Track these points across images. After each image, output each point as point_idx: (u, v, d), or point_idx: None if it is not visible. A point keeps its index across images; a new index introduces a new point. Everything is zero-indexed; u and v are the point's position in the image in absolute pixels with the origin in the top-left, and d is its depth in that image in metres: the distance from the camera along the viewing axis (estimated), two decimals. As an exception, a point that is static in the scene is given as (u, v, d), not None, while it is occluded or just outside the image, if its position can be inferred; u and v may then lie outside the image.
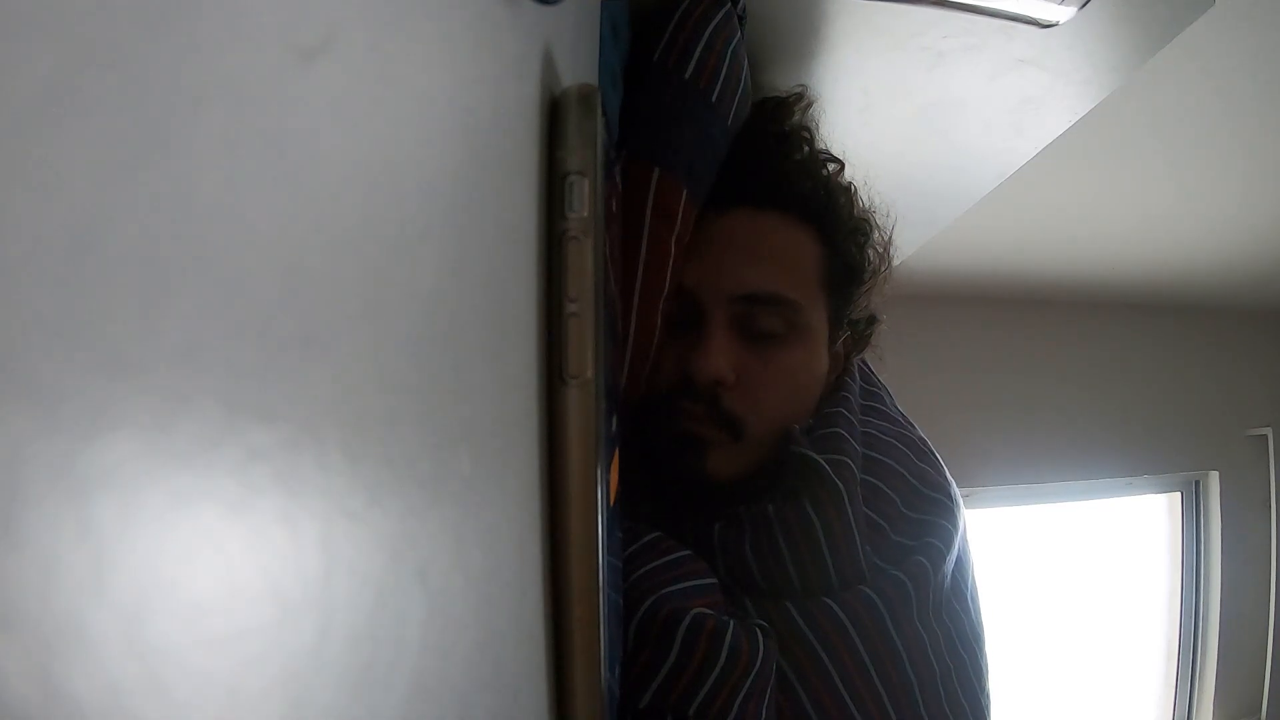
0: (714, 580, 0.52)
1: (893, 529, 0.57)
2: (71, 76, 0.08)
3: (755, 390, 0.57)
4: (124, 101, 0.09)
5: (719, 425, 0.57)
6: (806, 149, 0.65)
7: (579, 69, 0.43)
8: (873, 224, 0.66)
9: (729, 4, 0.60)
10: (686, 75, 0.57)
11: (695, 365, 0.56)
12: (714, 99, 0.58)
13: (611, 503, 0.36)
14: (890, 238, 0.68)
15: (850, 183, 0.66)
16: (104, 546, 0.08)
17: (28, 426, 0.07)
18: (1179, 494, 2.40)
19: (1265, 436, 2.41)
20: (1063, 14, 0.65)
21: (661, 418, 0.58)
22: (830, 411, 0.60)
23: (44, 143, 0.07)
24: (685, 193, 0.56)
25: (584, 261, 0.31)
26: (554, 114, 0.32)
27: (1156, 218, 1.75)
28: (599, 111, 0.32)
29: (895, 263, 0.69)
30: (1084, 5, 0.64)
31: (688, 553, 0.53)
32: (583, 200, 0.31)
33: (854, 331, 0.67)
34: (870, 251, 0.66)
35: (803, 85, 0.70)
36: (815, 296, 0.61)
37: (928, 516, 0.58)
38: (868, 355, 0.71)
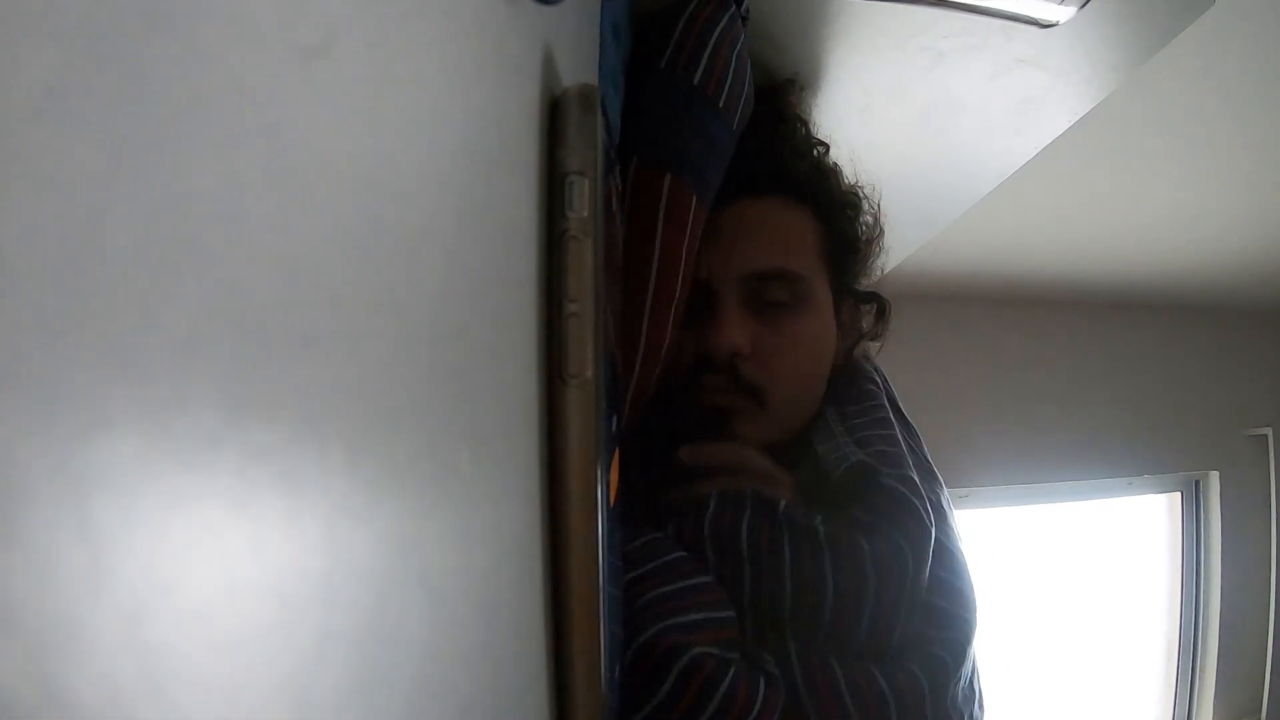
0: (731, 614, 0.51)
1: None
2: (71, 76, 0.08)
3: (771, 358, 0.60)
4: (124, 101, 0.09)
5: (742, 394, 0.60)
6: (801, 131, 0.69)
7: (579, 69, 0.43)
8: (861, 196, 0.71)
9: (733, 6, 0.60)
10: (695, 81, 0.57)
11: (712, 341, 0.59)
12: (721, 104, 0.58)
13: (611, 503, 0.36)
14: (879, 208, 0.72)
15: (836, 162, 0.71)
16: (103, 546, 0.08)
17: (27, 426, 0.07)
18: (1179, 494, 2.40)
19: (1265, 436, 2.41)
20: (1063, 14, 0.65)
21: (684, 396, 0.60)
22: (878, 417, 0.62)
23: (44, 142, 0.07)
24: (695, 198, 0.57)
25: (584, 261, 0.31)
26: (554, 114, 0.32)
27: (1156, 217, 1.75)
28: (599, 111, 0.32)
29: (893, 265, 0.72)
30: (1084, 5, 0.64)
31: (708, 580, 0.51)
32: (583, 200, 0.31)
33: (856, 300, 0.70)
34: (862, 224, 0.70)
35: (794, 72, 0.73)
36: (817, 269, 0.64)
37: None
38: (876, 347, 0.72)
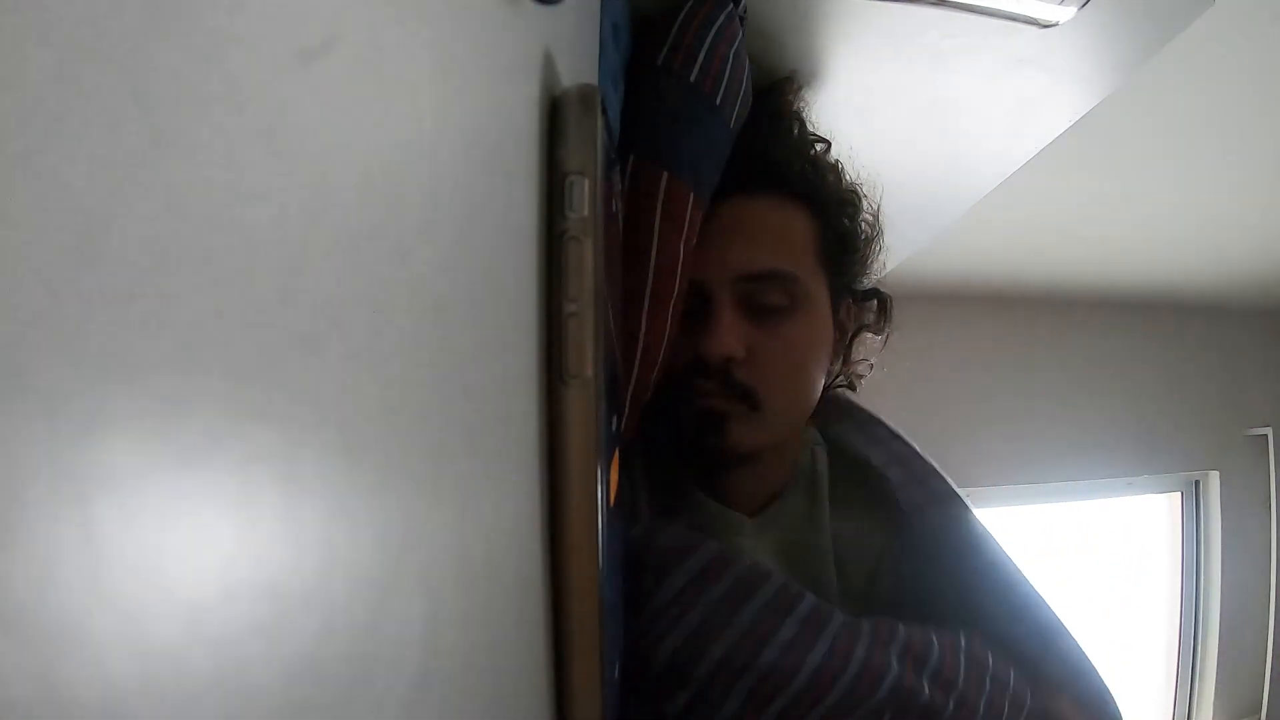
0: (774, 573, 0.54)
1: None
2: (72, 76, 0.08)
3: (765, 362, 0.60)
4: (124, 101, 0.09)
5: (735, 398, 0.59)
6: (796, 130, 0.68)
7: (579, 69, 0.43)
8: (861, 195, 0.70)
9: (730, 5, 0.60)
10: (691, 79, 0.57)
11: (706, 345, 0.58)
12: (718, 102, 0.58)
13: (611, 503, 0.36)
14: (879, 207, 0.71)
15: (837, 160, 0.70)
16: (104, 546, 0.08)
17: (28, 426, 0.07)
18: (1179, 494, 2.40)
19: (1265, 436, 2.41)
20: (1063, 14, 0.65)
21: (679, 398, 0.60)
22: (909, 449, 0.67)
23: (44, 142, 0.07)
24: (692, 196, 0.57)
25: (584, 261, 0.31)
26: (554, 114, 0.32)
27: (1157, 217, 1.75)
28: (599, 111, 0.32)
29: (893, 265, 0.71)
30: (1084, 5, 0.64)
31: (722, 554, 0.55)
32: (583, 200, 0.31)
33: (855, 300, 0.70)
34: (861, 222, 0.69)
35: (792, 70, 0.73)
36: (813, 269, 0.64)
37: None
38: (880, 341, 0.73)
